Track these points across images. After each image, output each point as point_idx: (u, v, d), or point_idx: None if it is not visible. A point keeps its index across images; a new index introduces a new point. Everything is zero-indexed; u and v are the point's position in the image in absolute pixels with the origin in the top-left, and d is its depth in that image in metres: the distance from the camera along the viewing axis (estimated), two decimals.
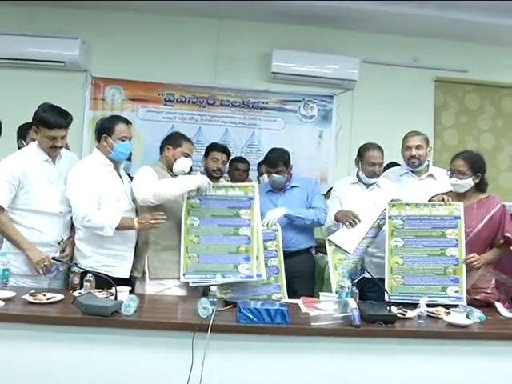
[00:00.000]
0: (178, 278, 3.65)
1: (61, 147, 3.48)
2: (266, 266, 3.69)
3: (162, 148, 3.91)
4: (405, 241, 3.58)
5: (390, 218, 3.64)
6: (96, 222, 3.42)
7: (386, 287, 3.46)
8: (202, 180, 3.66)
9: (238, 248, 3.66)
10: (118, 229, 3.44)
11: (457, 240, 3.51)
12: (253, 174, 5.49)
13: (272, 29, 6.01)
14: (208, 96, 6.09)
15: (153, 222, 3.44)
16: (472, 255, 3.46)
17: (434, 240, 3.55)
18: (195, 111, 6.08)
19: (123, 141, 3.61)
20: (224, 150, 4.46)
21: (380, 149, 4.09)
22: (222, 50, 6.04)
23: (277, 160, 4.13)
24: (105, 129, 3.63)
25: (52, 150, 3.45)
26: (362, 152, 4.12)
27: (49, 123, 3.35)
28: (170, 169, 3.81)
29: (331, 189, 4.59)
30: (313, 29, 6.00)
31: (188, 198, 3.69)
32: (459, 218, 3.53)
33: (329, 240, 3.83)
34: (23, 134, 3.98)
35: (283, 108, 6.17)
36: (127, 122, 3.70)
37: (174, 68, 5.95)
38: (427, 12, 5.44)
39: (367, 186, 4.12)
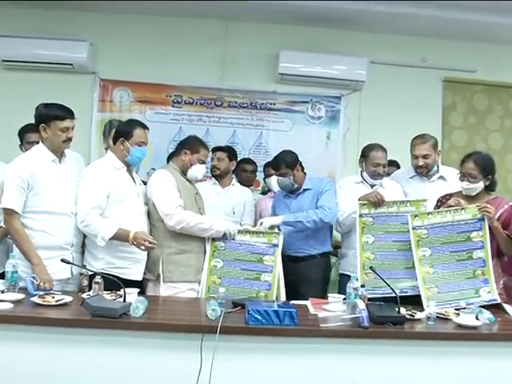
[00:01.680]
0: (192, 282, 3.70)
1: (71, 139, 3.51)
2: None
3: (177, 150, 3.95)
4: (432, 250, 3.57)
5: (413, 228, 3.62)
6: (91, 229, 3.45)
7: (423, 299, 3.45)
8: (229, 227, 3.75)
9: (258, 293, 3.69)
10: (113, 239, 3.45)
11: (482, 242, 3.52)
12: (260, 176, 5.49)
13: (279, 30, 6.00)
14: (216, 97, 6.09)
15: (143, 248, 3.46)
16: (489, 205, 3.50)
17: (460, 245, 3.55)
18: (203, 113, 6.08)
19: (140, 146, 3.66)
20: (218, 148, 4.54)
21: (384, 149, 4.12)
22: (230, 52, 6.04)
23: (279, 162, 4.13)
24: (123, 132, 3.67)
25: (66, 144, 3.48)
26: (366, 152, 4.14)
27: (60, 115, 3.41)
28: (183, 172, 3.85)
29: None
30: (320, 30, 5.99)
31: (213, 239, 3.79)
32: (483, 219, 3.53)
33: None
34: (20, 138, 4.03)
35: (291, 109, 6.16)
36: (145, 127, 3.73)
37: (181, 70, 5.94)
38: (435, 12, 5.42)
39: (371, 186, 4.14)
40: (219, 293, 3.20)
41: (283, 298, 3.70)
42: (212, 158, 4.43)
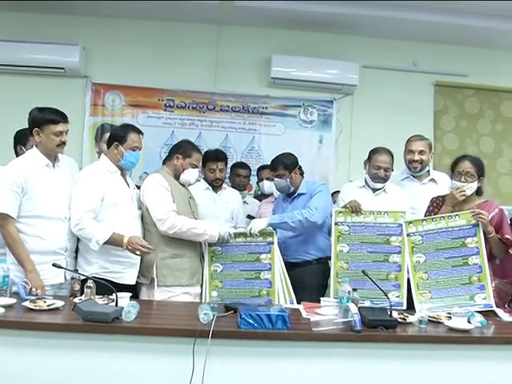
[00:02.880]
0: (186, 286, 3.70)
1: (65, 143, 3.49)
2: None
3: (170, 154, 3.94)
4: (426, 256, 3.59)
5: (408, 235, 3.64)
6: (86, 233, 3.44)
7: (415, 304, 3.48)
8: (222, 232, 3.73)
9: (260, 292, 3.72)
10: (107, 243, 3.45)
11: (478, 248, 3.52)
12: (253, 180, 5.49)
13: (271, 34, 6.02)
14: (208, 101, 6.10)
15: (138, 253, 3.47)
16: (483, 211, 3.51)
17: (455, 251, 3.56)
18: (195, 117, 6.09)
19: (134, 150, 3.65)
20: (218, 158, 4.37)
21: (389, 154, 4.07)
22: (222, 56, 6.05)
23: (277, 163, 4.12)
24: (117, 137, 3.66)
25: (59, 148, 3.47)
26: (370, 154, 4.10)
27: (53, 119, 3.39)
28: (176, 176, 3.84)
29: (335, 192, 4.58)
30: (312, 34, 6.01)
31: (209, 245, 3.81)
32: (477, 225, 3.53)
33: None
34: (23, 139, 3.94)
35: (283, 113, 6.18)
36: (140, 132, 3.73)
37: (173, 74, 5.95)
38: (426, 17, 5.45)
39: (374, 190, 4.10)
40: (212, 297, 3.19)
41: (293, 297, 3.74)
42: (212, 169, 4.35)
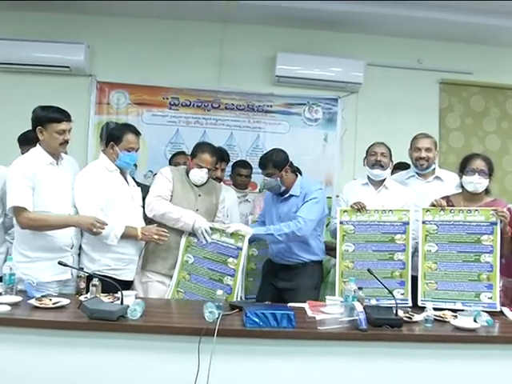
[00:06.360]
0: (163, 274, 3.76)
1: (68, 142, 3.49)
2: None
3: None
4: (438, 246, 3.59)
5: (423, 222, 3.64)
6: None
7: (419, 292, 3.50)
8: (198, 224, 3.73)
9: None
10: (121, 237, 3.50)
11: (492, 246, 3.51)
12: (258, 178, 5.47)
13: (276, 32, 6.00)
14: (213, 100, 6.08)
15: (156, 237, 3.57)
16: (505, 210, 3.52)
17: (468, 246, 3.55)
18: (200, 115, 6.06)
19: (129, 151, 3.65)
20: (222, 158, 4.37)
21: (386, 146, 4.11)
22: (227, 54, 6.03)
23: (266, 161, 3.97)
24: (113, 137, 3.68)
25: (62, 146, 3.48)
26: (367, 149, 4.15)
27: (56, 118, 3.40)
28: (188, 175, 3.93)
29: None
30: (317, 32, 5.99)
31: (189, 234, 3.80)
32: (496, 223, 3.52)
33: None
34: (33, 140, 3.96)
35: (288, 111, 6.15)
36: (137, 133, 3.74)
37: (178, 72, 5.94)
38: (431, 14, 5.43)
39: (376, 187, 4.09)
40: (217, 295, 3.20)
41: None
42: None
